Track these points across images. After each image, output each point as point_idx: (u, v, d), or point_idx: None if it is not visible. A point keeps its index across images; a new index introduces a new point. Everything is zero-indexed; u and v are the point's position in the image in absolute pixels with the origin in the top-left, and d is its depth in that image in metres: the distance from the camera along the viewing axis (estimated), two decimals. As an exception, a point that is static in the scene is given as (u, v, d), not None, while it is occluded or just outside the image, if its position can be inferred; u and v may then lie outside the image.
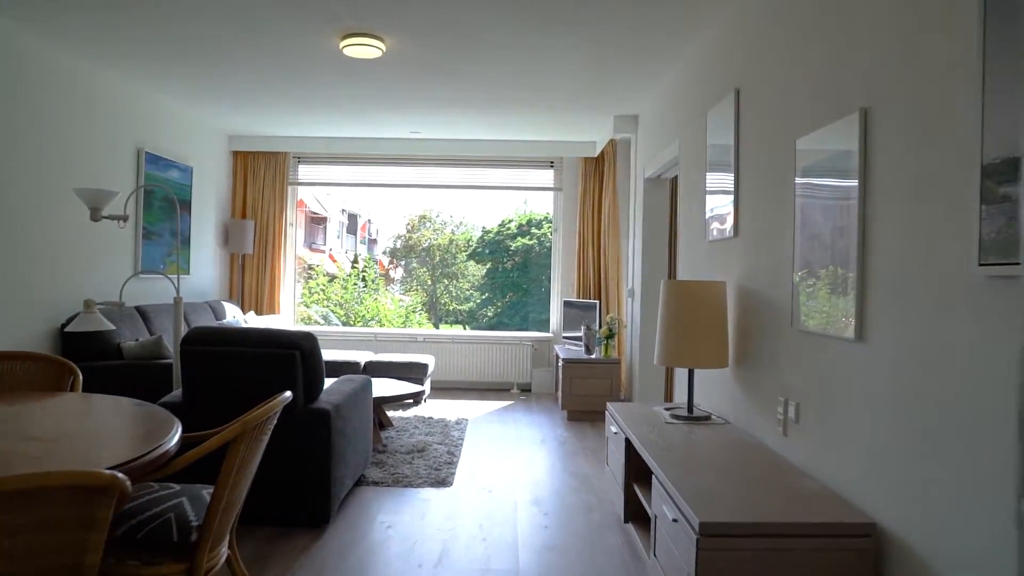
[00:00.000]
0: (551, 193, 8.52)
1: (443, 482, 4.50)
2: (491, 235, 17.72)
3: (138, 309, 5.68)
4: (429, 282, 17.75)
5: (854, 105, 2.41)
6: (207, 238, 7.61)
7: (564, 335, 7.89)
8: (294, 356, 3.60)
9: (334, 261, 20.63)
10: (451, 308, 17.84)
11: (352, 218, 24.14)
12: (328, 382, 4.31)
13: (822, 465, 2.63)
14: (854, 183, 2.38)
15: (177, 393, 3.80)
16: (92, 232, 5.48)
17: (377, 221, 25.62)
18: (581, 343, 7.22)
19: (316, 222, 21.73)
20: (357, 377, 4.45)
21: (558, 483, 4.58)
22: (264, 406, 2.21)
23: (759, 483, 2.57)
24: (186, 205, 7.01)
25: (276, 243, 8.17)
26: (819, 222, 2.66)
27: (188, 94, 6.38)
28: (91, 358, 5.02)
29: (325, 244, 21.81)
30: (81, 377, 3.08)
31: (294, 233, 8.52)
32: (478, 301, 17.86)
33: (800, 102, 2.91)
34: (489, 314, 17.79)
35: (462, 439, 5.70)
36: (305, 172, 8.46)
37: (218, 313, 7.00)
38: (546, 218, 17.62)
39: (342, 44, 4.55)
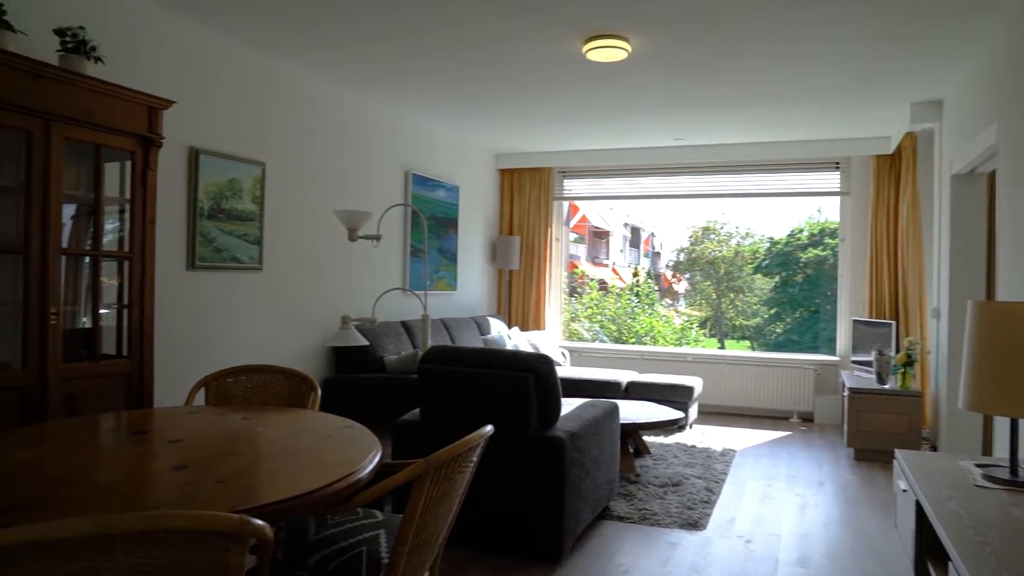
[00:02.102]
0: (836, 198, 7.55)
1: (695, 524, 4.01)
2: (779, 246, 16.57)
3: (403, 324, 5.92)
4: (714, 296, 17.06)
5: None
6: (474, 255, 7.83)
7: (852, 359, 6.90)
8: (527, 380, 3.39)
9: (617, 275, 20.66)
10: (737, 323, 16.96)
11: (635, 231, 24.05)
12: (571, 405, 4.05)
13: None
14: None
15: (417, 412, 3.78)
16: (366, 252, 5.82)
17: (660, 234, 25.30)
18: (872, 370, 6.23)
19: (599, 236, 21.95)
20: (601, 402, 4.14)
21: (833, 540, 3.86)
22: (455, 444, 1.99)
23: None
24: (453, 223, 7.25)
25: (542, 258, 8.18)
26: None
27: (451, 116, 6.57)
28: (358, 370, 5.28)
29: (608, 258, 21.95)
30: (319, 393, 3.13)
31: (560, 248, 8.48)
32: (765, 317, 16.77)
33: None
34: (777, 330, 16.58)
35: (725, 473, 5.14)
36: (570, 186, 8.39)
37: (483, 328, 7.12)
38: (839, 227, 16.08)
39: (585, 48, 4.30)
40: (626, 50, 4.29)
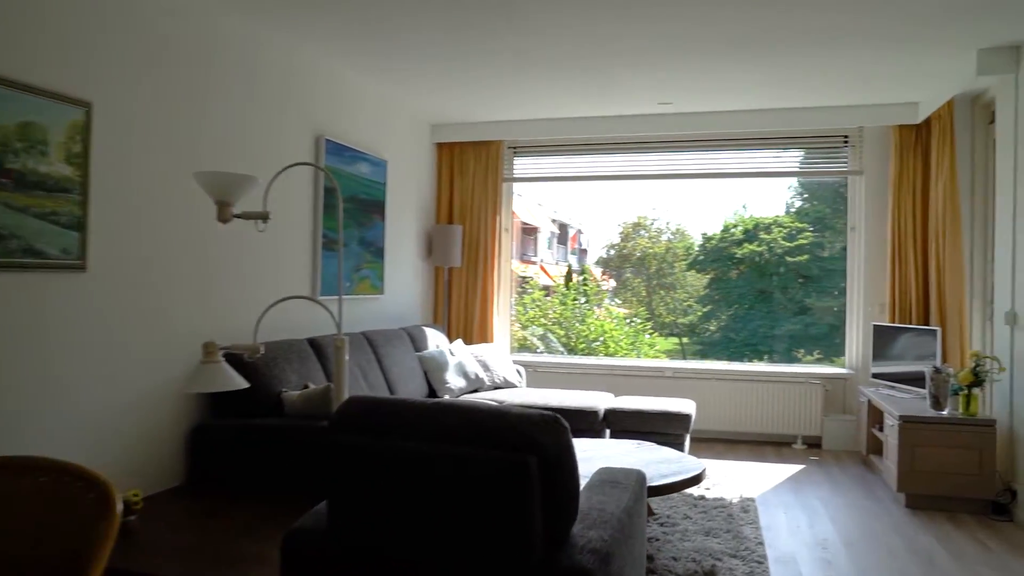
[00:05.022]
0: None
1: (773, 663, 2.56)
2: (713, 242, 15.75)
3: (312, 343, 4.30)
4: (644, 294, 16.12)
5: None
6: (406, 248, 6.22)
7: (874, 373, 5.63)
8: (526, 466, 1.86)
9: (546, 273, 19.43)
10: (667, 321, 16.14)
11: (563, 228, 22.96)
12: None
13: None
14: None
15: (323, 507, 2.19)
16: (260, 244, 4.18)
17: (588, 230, 24.28)
18: (906, 388, 5.07)
19: (528, 232, 20.72)
20: (624, 473, 2.63)
21: None
22: None
23: None
24: (379, 207, 5.63)
25: (489, 253, 6.63)
26: None
27: (377, 69, 5.02)
28: (244, 412, 3.63)
29: (536, 255, 20.76)
30: (117, 518, 1.53)
31: (509, 241, 6.97)
32: (699, 314, 15.95)
33: None
34: (711, 328, 15.83)
35: (761, 542, 3.74)
36: (522, 165, 6.88)
37: (418, 343, 5.55)
38: (775, 221, 15.50)
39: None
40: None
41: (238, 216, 2.72)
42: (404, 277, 6.19)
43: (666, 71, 4.98)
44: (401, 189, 6.04)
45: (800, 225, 14.47)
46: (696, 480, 3.61)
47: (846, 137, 6.12)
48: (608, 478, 2.54)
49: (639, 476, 2.61)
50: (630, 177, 6.72)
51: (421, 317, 6.55)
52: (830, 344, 11.19)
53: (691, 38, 4.30)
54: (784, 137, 6.23)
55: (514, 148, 6.79)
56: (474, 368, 5.68)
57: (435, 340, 5.82)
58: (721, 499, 4.46)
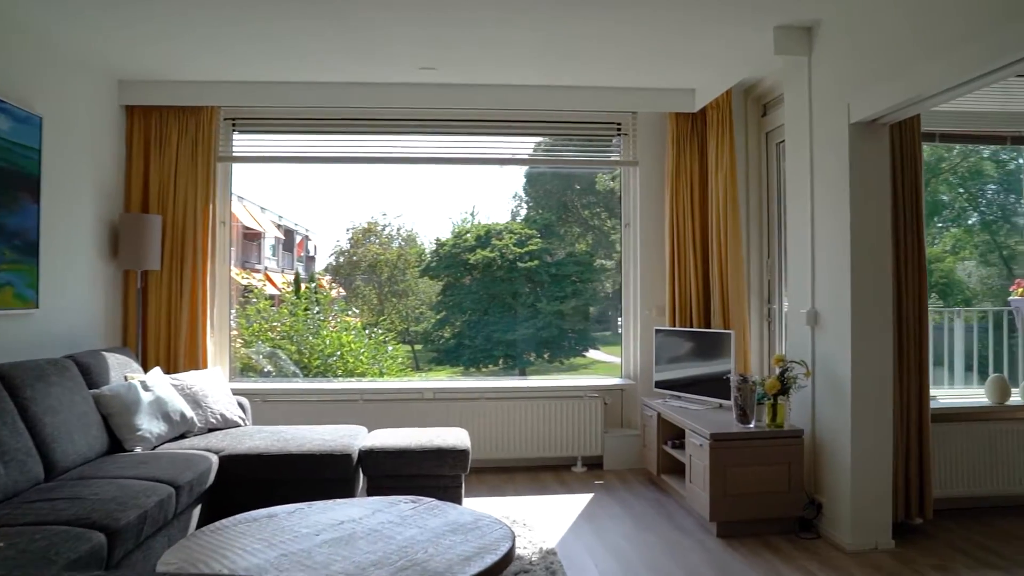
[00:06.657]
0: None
1: None
2: (446, 248, 15.44)
3: None
4: (376, 302, 15.31)
5: None
6: (78, 244, 4.52)
7: (658, 381, 5.11)
8: None
9: (271, 282, 17.65)
10: (400, 328, 15.54)
11: (288, 234, 21.27)
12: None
13: None
14: None
15: None
16: None
17: (316, 236, 22.88)
18: (695, 398, 4.65)
19: (250, 238, 18.70)
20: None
21: None
22: None
23: None
24: (29, 184, 3.93)
25: (199, 253, 5.09)
26: None
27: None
28: None
29: (260, 263, 18.85)
30: None
31: (227, 237, 5.49)
32: (433, 321, 15.53)
33: None
34: (446, 335, 15.48)
35: (583, 621, 2.86)
36: (244, 143, 5.46)
37: (94, 375, 3.95)
38: (506, 227, 15.57)
39: None
40: None
41: None
42: (75, 284, 4.49)
43: (428, 23, 3.97)
44: (69, 161, 4.36)
45: (529, 231, 14.63)
46: (508, 559, 2.60)
47: (619, 125, 5.57)
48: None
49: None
50: (379, 160, 5.60)
51: (104, 339, 4.85)
52: (558, 347, 11.10)
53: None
54: (554, 121, 5.52)
55: (233, 120, 5.34)
56: (179, 405, 4.21)
57: (122, 370, 4.24)
58: (519, 558, 3.52)
